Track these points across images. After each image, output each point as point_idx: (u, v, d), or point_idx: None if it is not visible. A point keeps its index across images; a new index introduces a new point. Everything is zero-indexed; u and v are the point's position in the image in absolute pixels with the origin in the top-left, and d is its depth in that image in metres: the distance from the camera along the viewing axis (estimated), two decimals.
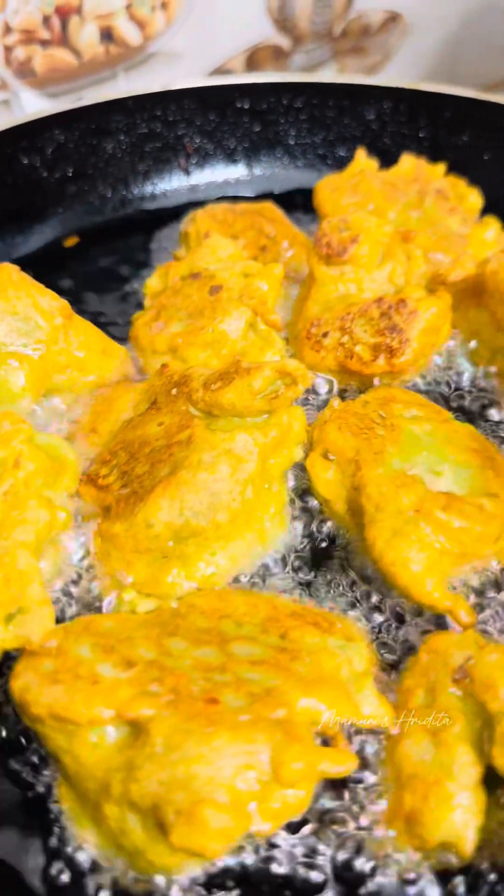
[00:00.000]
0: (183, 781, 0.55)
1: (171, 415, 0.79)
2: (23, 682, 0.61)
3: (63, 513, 0.73)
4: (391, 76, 2.18)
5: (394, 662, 0.72)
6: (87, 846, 0.61)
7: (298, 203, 1.22)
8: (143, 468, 0.76)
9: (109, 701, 0.58)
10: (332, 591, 0.78)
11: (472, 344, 0.97)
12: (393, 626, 0.75)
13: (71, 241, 1.15)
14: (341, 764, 0.59)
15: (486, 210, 1.18)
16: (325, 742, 0.63)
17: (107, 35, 1.59)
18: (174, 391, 0.81)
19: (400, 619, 0.75)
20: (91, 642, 0.64)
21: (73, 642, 0.63)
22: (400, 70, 2.20)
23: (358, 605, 0.76)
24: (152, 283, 0.99)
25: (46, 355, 0.86)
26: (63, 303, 0.88)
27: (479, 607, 0.75)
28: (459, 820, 0.59)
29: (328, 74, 2.05)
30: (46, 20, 1.51)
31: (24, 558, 0.69)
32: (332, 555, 0.80)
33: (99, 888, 0.60)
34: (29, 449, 0.74)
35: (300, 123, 1.28)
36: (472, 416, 0.94)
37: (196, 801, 0.53)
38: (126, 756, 0.58)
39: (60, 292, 0.90)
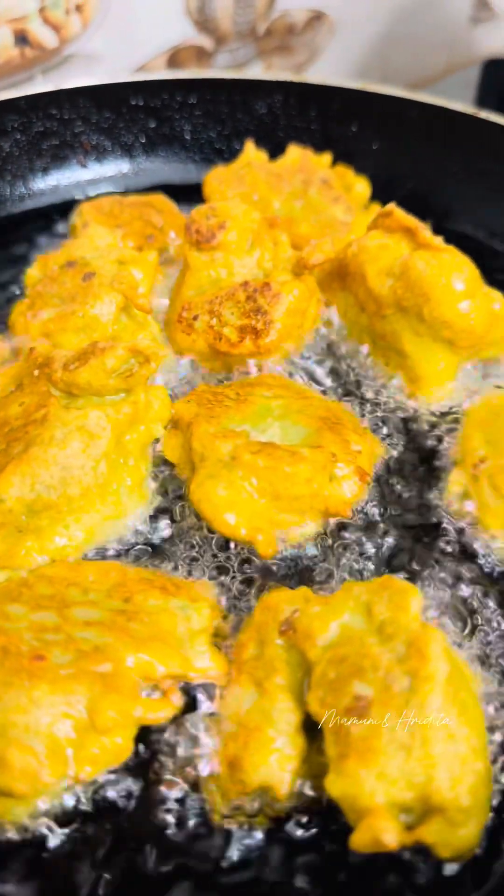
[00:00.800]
0: (1, 730, 0.58)
1: (32, 395, 0.83)
2: None
3: None
4: (320, 74, 2.22)
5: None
6: None
7: (196, 195, 1.25)
8: (0, 447, 0.79)
9: None
10: (195, 558, 0.81)
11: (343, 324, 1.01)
12: (247, 587, 0.78)
13: None
14: (157, 712, 0.62)
15: (375, 197, 1.22)
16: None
17: (21, 38, 1.61)
18: (37, 373, 0.84)
19: (250, 582, 0.79)
20: None
21: None
22: (328, 68, 2.23)
23: (217, 568, 0.80)
24: (33, 272, 1.02)
25: None
26: None
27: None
28: (276, 764, 0.63)
29: (254, 73, 2.08)
30: None
31: None
32: (192, 521, 0.83)
33: None
34: None
35: (195, 119, 1.32)
36: (349, 394, 0.97)
37: (6, 746, 0.56)
38: None
39: None
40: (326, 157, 1.23)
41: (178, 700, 0.66)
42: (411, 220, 0.91)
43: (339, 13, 2.14)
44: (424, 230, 0.90)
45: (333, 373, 0.99)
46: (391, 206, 0.94)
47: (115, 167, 1.33)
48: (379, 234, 0.93)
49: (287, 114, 1.31)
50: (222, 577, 0.79)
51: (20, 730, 0.58)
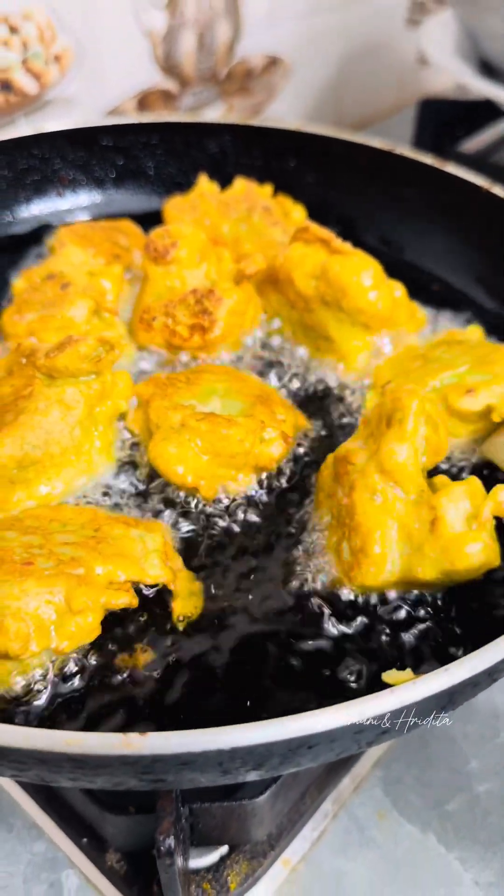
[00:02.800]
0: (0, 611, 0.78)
1: (20, 378, 1.03)
2: None
3: None
4: (277, 113, 2.46)
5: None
6: None
7: (158, 221, 1.47)
8: None
9: None
10: (151, 502, 1.01)
11: (276, 323, 1.23)
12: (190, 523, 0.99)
13: None
14: (118, 599, 0.82)
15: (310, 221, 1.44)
16: None
17: (5, 86, 1.84)
18: (24, 361, 1.05)
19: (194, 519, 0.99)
20: None
21: None
22: (285, 107, 2.47)
23: (170, 510, 1.00)
24: (19, 284, 1.23)
25: None
26: None
27: None
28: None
29: (213, 114, 2.31)
30: None
31: None
32: (149, 475, 1.03)
33: None
34: None
35: (157, 156, 1.55)
36: (280, 377, 1.19)
37: (3, 617, 0.76)
38: None
39: None
40: (268, 188, 1.45)
41: (133, 598, 0.86)
42: (325, 232, 1.13)
43: (293, 58, 2.38)
44: (336, 239, 1.12)
45: (268, 361, 1.21)
46: (307, 222, 1.16)
47: (89, 198, 1.55)
48: (300, 246, 1.15)
49: (235, 151, 1.54)
50: (172, 516, 0.99)
51: (13, 611, 0.78)
